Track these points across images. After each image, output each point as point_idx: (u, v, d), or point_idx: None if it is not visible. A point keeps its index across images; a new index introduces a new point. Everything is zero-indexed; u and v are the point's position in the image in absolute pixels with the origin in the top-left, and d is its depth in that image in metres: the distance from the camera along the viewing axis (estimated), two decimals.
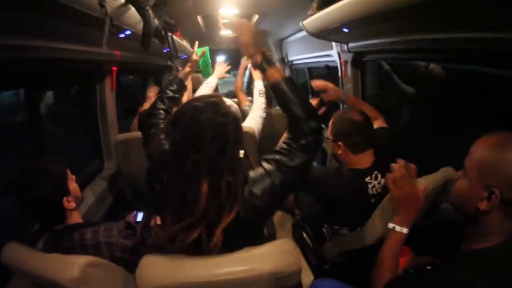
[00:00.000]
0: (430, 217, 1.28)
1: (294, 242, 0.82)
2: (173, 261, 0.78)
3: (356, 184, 1.34)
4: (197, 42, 1.72)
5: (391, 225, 1.02)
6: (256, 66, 1.00)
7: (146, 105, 2.10)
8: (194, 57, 1.64)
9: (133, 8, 1.48)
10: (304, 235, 1.68)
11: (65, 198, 1.04)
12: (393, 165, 1.06)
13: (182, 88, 1.43)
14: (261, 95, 2.04)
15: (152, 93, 2.28)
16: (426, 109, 2.22)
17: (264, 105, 2.02)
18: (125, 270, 0.99)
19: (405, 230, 0.99)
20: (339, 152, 1.42)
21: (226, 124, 0.83)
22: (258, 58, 0.98)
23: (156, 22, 1.57)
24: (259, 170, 0.87)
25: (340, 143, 1.40)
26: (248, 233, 0.86)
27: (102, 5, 1.21)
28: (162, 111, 1.27)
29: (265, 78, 1.01)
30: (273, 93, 0.97)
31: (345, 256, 1.43)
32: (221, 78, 2.21)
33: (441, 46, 1.38)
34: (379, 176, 1.34)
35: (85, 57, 1.66)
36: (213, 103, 0.86)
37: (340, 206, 1.37)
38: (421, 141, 2.12)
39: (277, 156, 0.88)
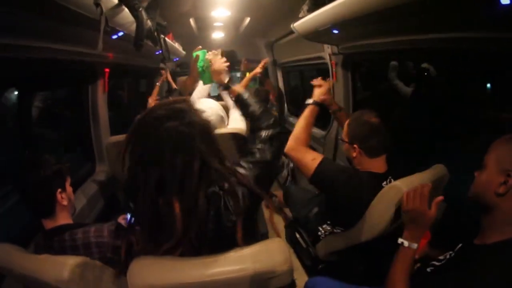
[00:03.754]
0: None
1: (285, 241, 0.82)
2: (164, 262, 0.77)
3: (374, 188, 1.28)
4: (199, 47, 1.50)
5: (400, 241, 1.03)
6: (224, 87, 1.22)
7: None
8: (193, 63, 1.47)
9: (126, 9, 1.48)
10: (297, 235, 1.66)
11: (59, 190, 1.05)
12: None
13: None
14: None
15: (151, 99, 2.22)
16: (422, 109, 2.24)
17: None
18: (115, 271, 0.98)
19: (414, 246, 1.01)
20: (354, 154, 1.39)
21: (191, 135, 0.77)
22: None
23: (149, 23, 1.57)
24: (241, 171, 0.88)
25: (355, 145, 1.37)
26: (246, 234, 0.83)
27: (97, 4, 1.21)
28: None
29: (230, 93, 1.20)
30: (236, 102, 1.15)
31: (339, 255, 1.44)
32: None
33: (430, 46, 1.41)
34: (393, 181, 1.28)
35: (79, 58, 1.65)
36: (177, 110, 0.80)
37: (353, 207, 1.31)
38: (414, 140, 2.13)
39: (250, 158, 0.92)
